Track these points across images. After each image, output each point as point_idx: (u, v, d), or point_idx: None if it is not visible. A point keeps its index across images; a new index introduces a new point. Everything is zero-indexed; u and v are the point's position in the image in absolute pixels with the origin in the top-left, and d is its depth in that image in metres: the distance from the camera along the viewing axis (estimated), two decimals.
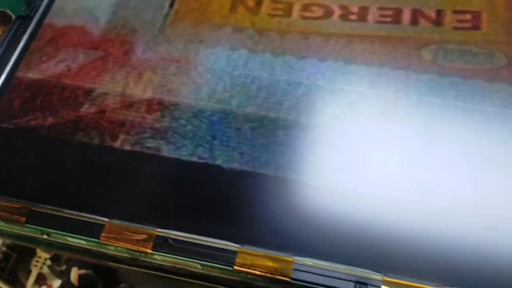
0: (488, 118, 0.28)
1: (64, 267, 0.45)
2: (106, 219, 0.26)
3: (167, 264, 0.26)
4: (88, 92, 0.31)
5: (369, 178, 0.26)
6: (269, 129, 0.28)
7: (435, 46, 0.31)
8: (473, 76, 0.29)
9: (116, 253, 0.26)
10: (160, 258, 0.26)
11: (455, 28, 0.31)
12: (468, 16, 0.32)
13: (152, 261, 0.26)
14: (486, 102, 0.28)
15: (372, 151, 0.27)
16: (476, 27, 0.31)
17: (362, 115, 0.28)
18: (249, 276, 0.25)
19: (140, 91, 0.30)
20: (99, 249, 0.26)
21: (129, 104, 0.30)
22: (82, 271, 0.46)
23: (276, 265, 0.24)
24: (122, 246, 0.25)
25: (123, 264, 0.28)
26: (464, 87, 0.29)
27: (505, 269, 0.23)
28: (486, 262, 0.24)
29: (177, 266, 0.26)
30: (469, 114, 0.28)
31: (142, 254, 0.26)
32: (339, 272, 0.24)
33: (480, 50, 0.30)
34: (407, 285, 0.23)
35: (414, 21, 0.32)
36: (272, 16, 0.33)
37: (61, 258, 0.46)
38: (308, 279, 0.24)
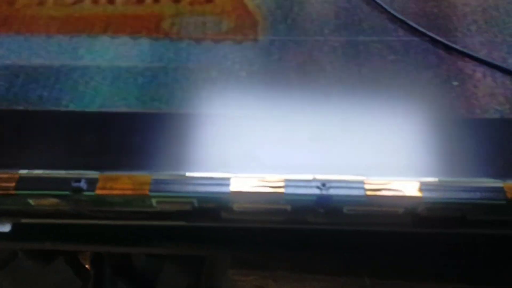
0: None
1: None
2: None
3: None
4: None
5: None
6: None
7: (172, 19, 0.37)
8: (204, 39, 0.35)
9: None
10: None
11: (191, 3, 0.38)
12: None
13: None
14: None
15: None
16: (209, 1, 0.38)
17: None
18: None
19: None
20: None
21: None
22: None
23: (5, 177, 0.27)
24: None
25: None
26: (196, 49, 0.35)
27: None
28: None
29: None
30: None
31: None
32: (59, 177, 0.27)
33: (211, 19, 0.37)
34: (120, 176, 0.27)
35: (156, 0, 0.38)
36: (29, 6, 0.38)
37: None
38: (32, 187, 0.26)
